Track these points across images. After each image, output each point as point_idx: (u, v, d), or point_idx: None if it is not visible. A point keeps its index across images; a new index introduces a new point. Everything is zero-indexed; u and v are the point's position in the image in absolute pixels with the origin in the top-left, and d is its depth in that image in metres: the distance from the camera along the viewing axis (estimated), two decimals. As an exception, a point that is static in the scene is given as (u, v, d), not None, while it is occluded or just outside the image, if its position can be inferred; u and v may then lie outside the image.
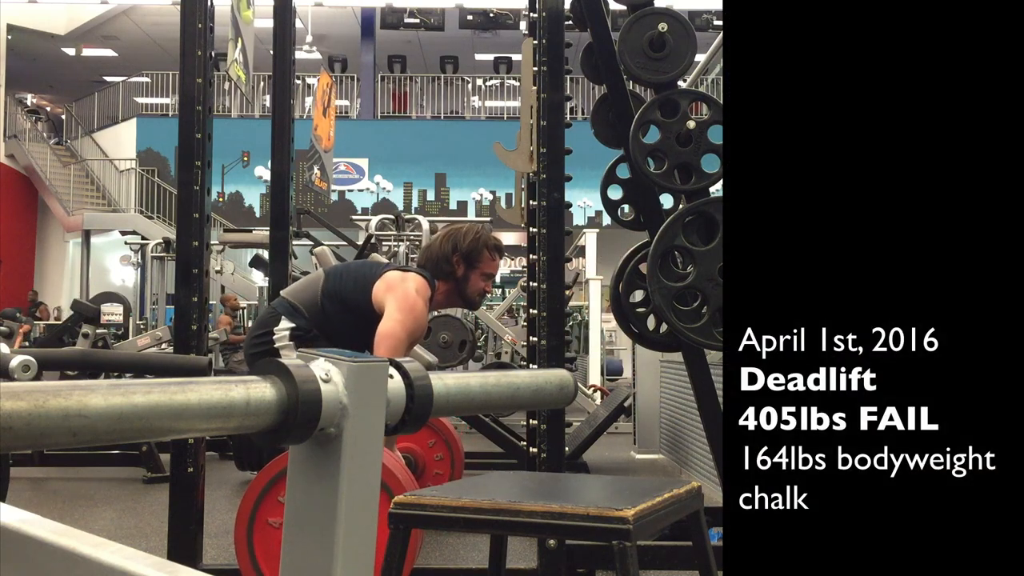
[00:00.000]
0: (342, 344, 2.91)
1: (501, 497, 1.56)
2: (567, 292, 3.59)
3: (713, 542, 1.79)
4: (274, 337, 2.86)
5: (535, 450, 2.77)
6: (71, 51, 18.92)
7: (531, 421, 2.81)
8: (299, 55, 4.66)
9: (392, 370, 0.88)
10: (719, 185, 2.79)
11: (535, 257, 2.81)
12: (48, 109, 20.82)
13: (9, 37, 17.23)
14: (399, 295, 2.78)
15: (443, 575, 3.26)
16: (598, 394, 7.91)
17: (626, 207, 2.99)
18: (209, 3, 2.92)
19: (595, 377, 8.81)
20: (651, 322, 2.97)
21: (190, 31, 2.86)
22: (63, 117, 19.55)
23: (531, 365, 2.84)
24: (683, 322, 2.68)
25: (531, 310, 2.84)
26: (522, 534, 2.04)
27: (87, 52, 18.94)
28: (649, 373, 6.09)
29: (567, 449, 2.99)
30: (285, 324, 2.87)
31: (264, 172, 14.77)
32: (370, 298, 2.84)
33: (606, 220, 12.26)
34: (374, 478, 0.84)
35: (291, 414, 0.78)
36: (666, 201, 2.96)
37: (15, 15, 17.01)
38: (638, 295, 2.99)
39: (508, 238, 14.43)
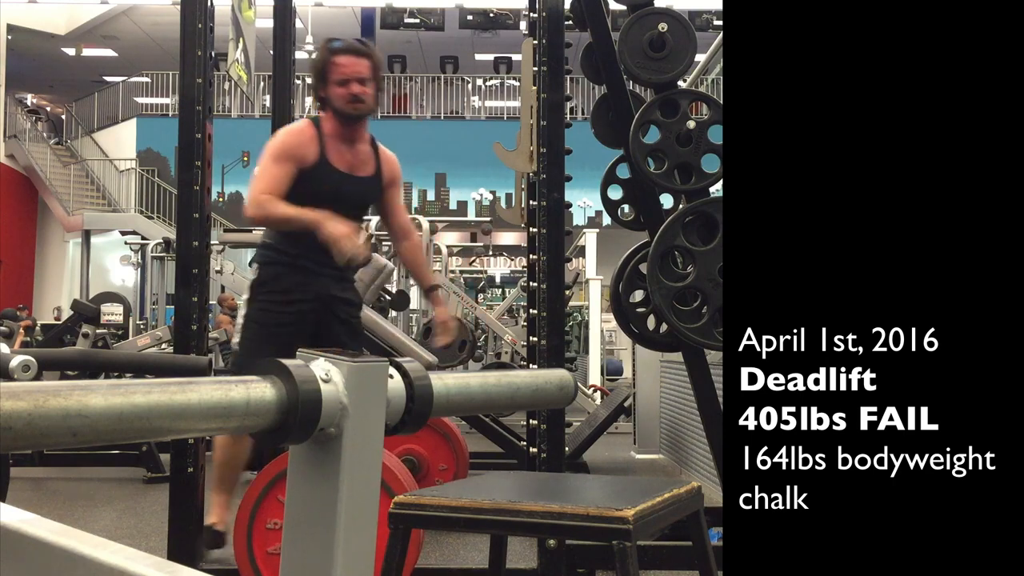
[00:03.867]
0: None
1: (501, 497, 1.56)
2: (567, 292, 3.58)
3: (713, 542, 1.79)
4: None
5: (535, 450, 2.77)
6: (71, 51, 18.93)
7: (531, 421, 2.81)
8: (299, 55, 4.66)
9: (392, 370, 0.88)
10: (719, 185, 2.79)
11: (535, 257, 2.81)
12: (48, 109, 20.82)
13: (9, 37, 17.22)
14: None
15: (443, 575, 3.26)
16: (598, 394, 7.91)
17: (626, 207, 2.99)
18: (209, 3, 2.92)
19: (595, 377, 8.81)
20: (651, 322, 2.97)
21: (190, 31, 2.86)
22: (63, 117, 19.56)
23: (531, 365, 2.84)
24: (683, 322, 2.68)
25: (531, 310, 2.84)
26: (522, 534, 2.04)
27: (87, 52, 18.94)
28: (649, 373, 6.09)
29: (567, 449, 2.99)
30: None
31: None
32: None
33: (606, 220, 12.26)
34: (374, 478, 0.84)
35: (291, 414, 0.78)
36: (666, 201, 2.96)
37: (15, 15, 17.01)
38: (638, 295, 2.99)
39: (508, 238, 14.45)
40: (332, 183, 2.91)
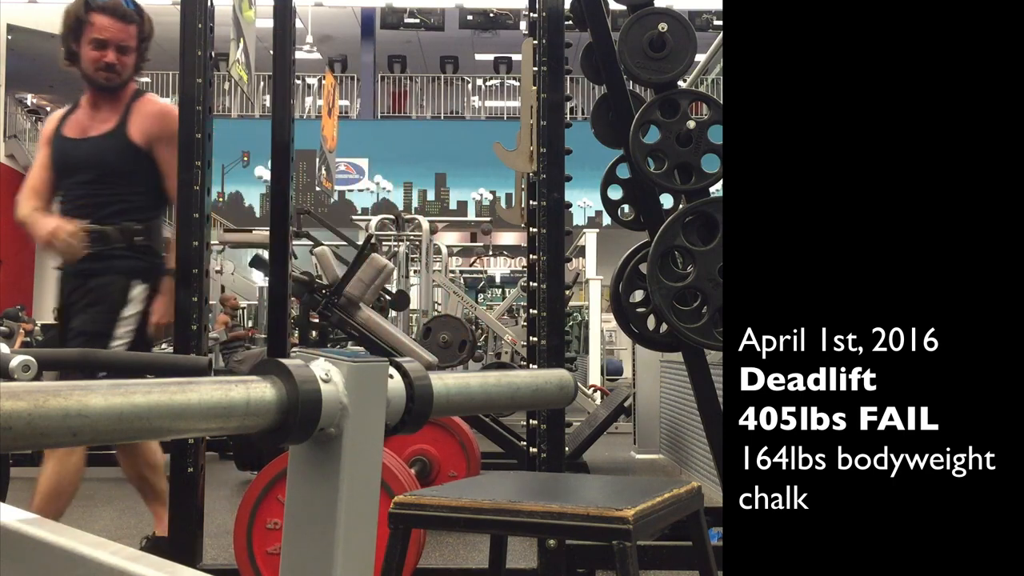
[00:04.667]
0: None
1: (501, 497, 1.56)
2: (567, 292, 3.59)
3: (713, 542, 1.79)
4: None
5: (535, 450, 2.77)
6: (71, 51, 18.87)
7: (531, 421, 2.81)
8: (299, 55, 4.67)
9: (392, 370, 0.88)
10: (719, 185, 2.79)
11: (535, 257, 2.81)
12: (48, 109, 20.81)
13: (9, 37, 17.22)
14: None
15: (443, 575, 3.26)
16: (598, 394, 7.91)
17: (626, 207, 2.99)
18: (209, 3, 2.92)
19: (595, 377, 8.81)
20: (651, 322, 2.97)
21: (190, 31, 2.86)
22: (63, 117, 19.51)
23: (531, 365, 2.84)
24: (683, 322, 2.68)
25: (531, 310, 2.84)
26: (522, 534, 2.03)
27: (87, 52, 18.89)
28: (649, 373, 6.09)
29: (567, 449, 2.99)
30: None
31: (264, 172, 14.79)
32: None
33: (606, 220, 12.26)
34: (374, 478, 0.84)
35: (291, 414, 0.78)
36: (666, 201, 2.96)
37: (15, 15, 17.00)
38: (638, 295, 2.99)
39: (508, 238, 14.45)
40: (59, 153, 2.74)
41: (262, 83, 16.48)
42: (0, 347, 1.16)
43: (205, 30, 2.89)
